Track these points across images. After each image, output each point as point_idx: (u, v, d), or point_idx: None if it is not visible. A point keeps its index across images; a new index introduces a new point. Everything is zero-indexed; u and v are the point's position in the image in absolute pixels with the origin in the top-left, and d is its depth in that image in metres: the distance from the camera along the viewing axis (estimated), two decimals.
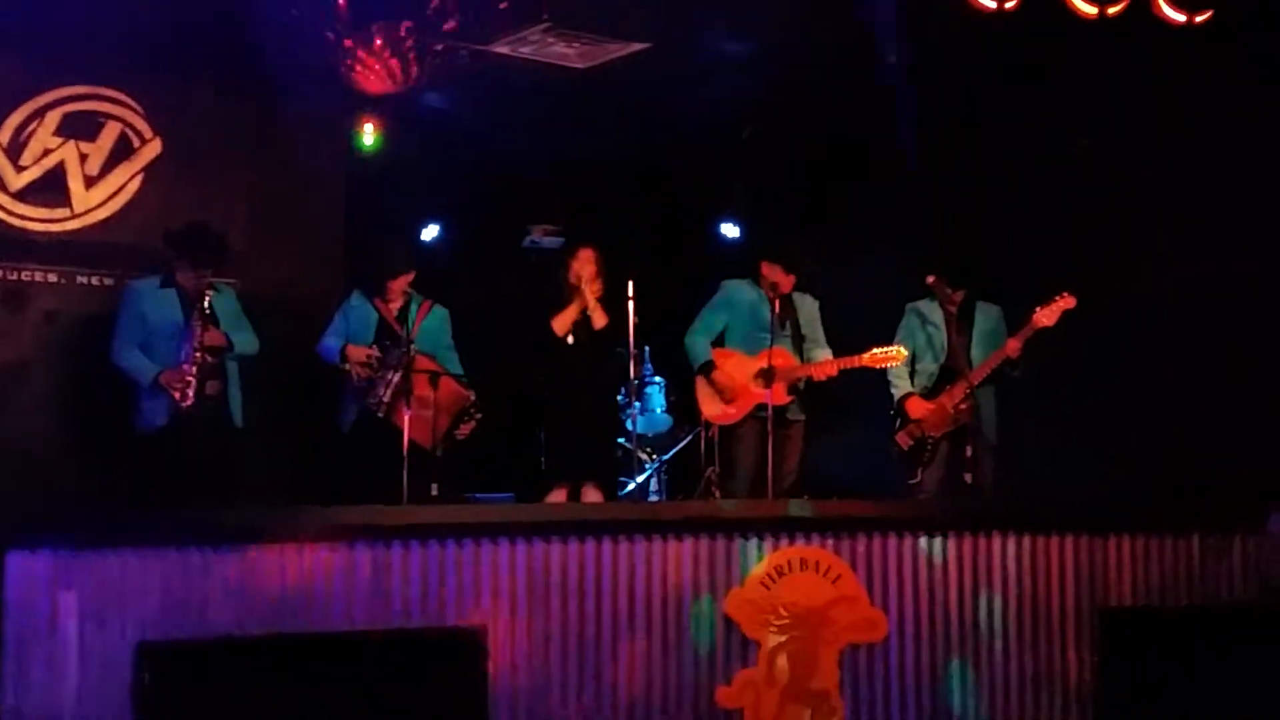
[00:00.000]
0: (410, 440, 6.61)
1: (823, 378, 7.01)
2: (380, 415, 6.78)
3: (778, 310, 7.02)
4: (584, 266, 7.35)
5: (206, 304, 6.53)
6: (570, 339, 7.31)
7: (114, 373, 6.62)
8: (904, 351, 6.92)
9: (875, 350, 6.88)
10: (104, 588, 4.71)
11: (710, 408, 7.18)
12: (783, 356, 6.96)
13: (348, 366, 6.88)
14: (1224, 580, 6.05)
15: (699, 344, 7.18)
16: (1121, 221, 7.65)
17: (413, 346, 6.84)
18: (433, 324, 7.15)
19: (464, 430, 6.93)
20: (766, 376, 6.92)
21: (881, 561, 5.66)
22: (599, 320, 7.30)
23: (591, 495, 7.27)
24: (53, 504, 6.47)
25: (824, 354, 7.13)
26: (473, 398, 6.92)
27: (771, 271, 7.09)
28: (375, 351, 6.87)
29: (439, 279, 7.54)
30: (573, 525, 5.36)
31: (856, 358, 6.91)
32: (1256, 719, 5.85)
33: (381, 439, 6.73)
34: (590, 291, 7.28)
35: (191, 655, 4.76)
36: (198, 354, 6.48)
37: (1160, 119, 7.44)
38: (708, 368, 7.12)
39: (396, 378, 6.74)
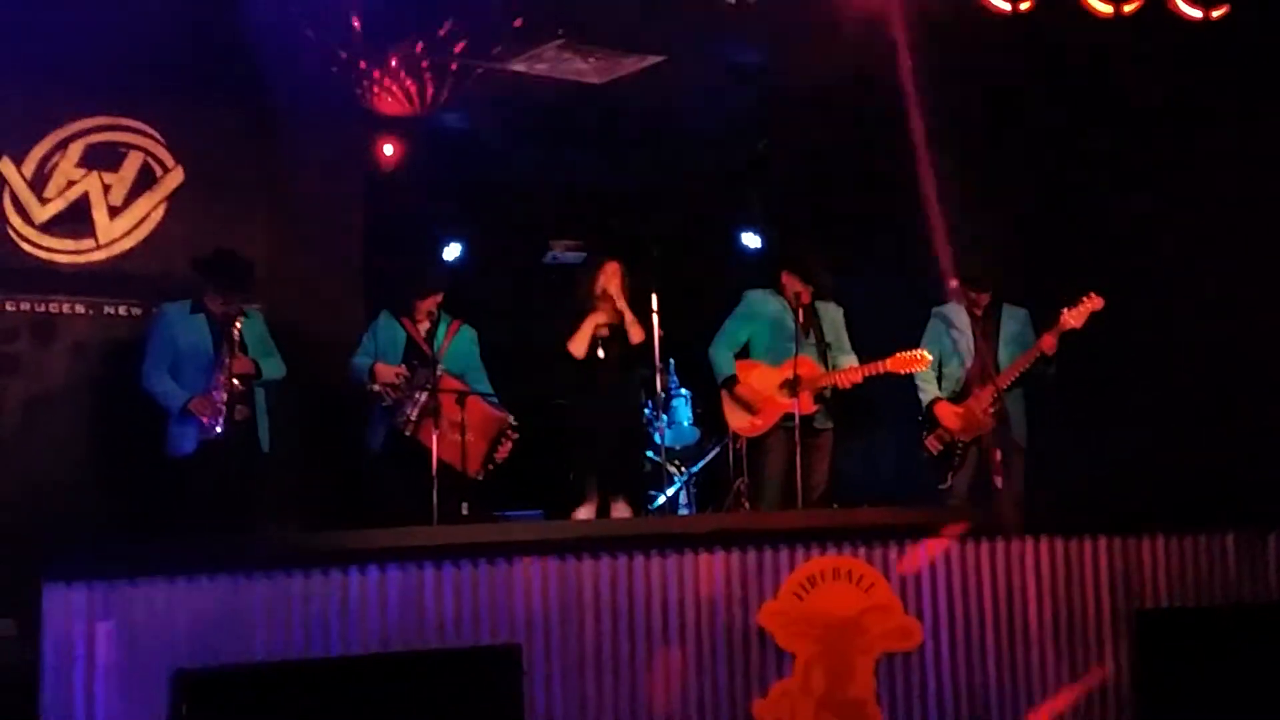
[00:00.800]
0: (440, 460, 6.62)
1: (848, 385, 6.99)
2: (408, 434, 6.80)
3: (801, 319, 7.01)
4: (610, 280, 7.35)
5: (237, 331, 6.55)
6: (601, 352, 7.30)
7: (143, 398, 6.62)
8: (928, 354, 6.90)
9: (899, 354, 6.86)
10: (140, 617, 4.73)
11: (736, 420, 7.18)
12: (807, 365, 6.95)
13: (377, 386, 6.90)
14: (1259, 578, 6.01)
15: (722, 356, 7.18)
16: (1149, 220, 7.61)
17: (440, 367, 6.86)
18: (461, 344, 7.17)
19: (502, 452, 6.95)
20: (791, 386, 6.90)
21: (914, 569, 5.63)
22: (636, 335, 7.28)
23: (621, 510, 7.26)
24: (86, 535, 6.50)
25: (849, 361, 7.11)
26: (511, 420, 6.95)
27: (791, 281, 7.08)
28: (404, 371, 6.89)
29: (462, 297, 7.56)
30: (603, 541, 5.36)
31: (880, 363, 6.89)
32: None
33: (411, 459, 6.74)
34: (623, 305, 7.28)
35: (228, 682, 4.77)
36: (227, 380, 6.49)
37: (1182, 117, 7.39)
38: (731, 382, 7.12)
39: (424, 397, 6.76)
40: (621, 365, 7.36)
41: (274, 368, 6.80)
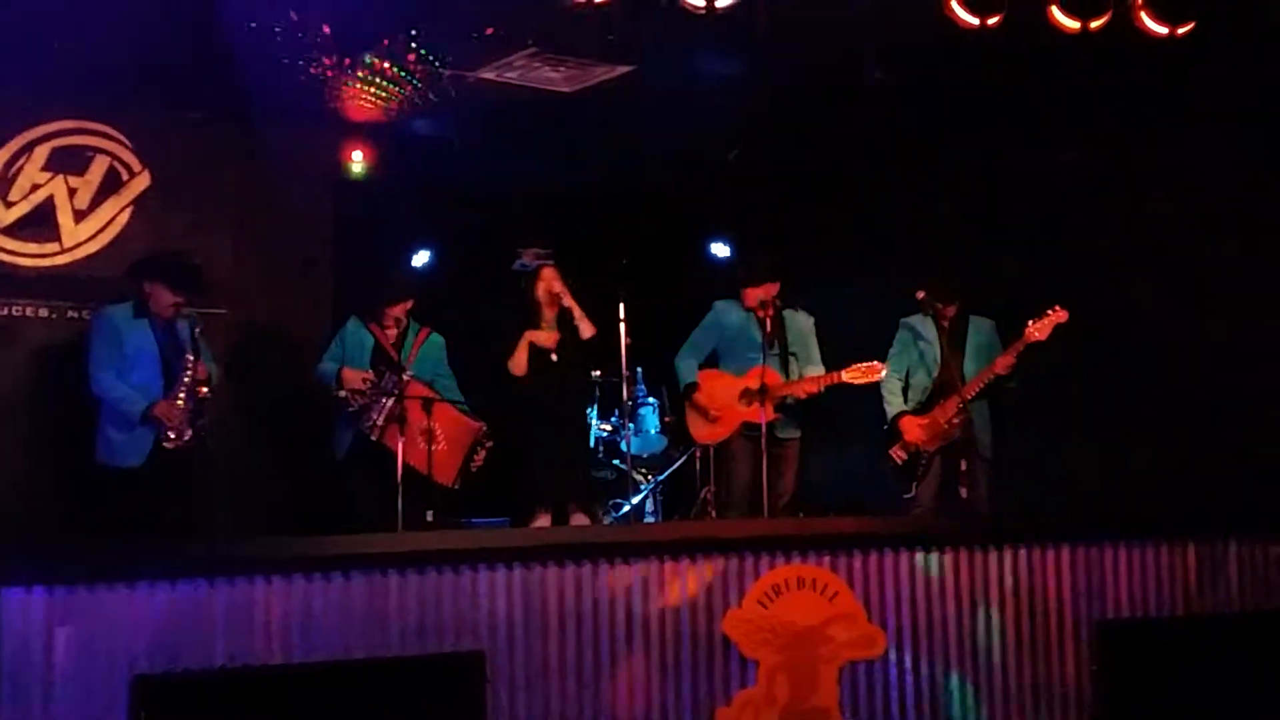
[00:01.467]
0: (407, 466, 6.60)
1: (804, 395, 7.02)
2: (374, 439, 6.78)
3: (768, 329, 7.04)
4: (550, 284, 7.36)
5: (197, 334, 6.43)
6: (555, 356, 7.29)
7: (87, 403, 6.43)
8: (881, 366, 6.93)
9: (854, 366, 6.90)
10: (100, 622, 4.68)
11: (697, 428, 7.24)
12: (769, 375, 6.97)
13: (344, 392, 6.88)
14: (1220, 588, 6.05)
15: (686, 365, 7.25)
16: (1111, 233, 7.67)
17: (408, 373, 6.84)
18: (430, 351, 7.16)
19: (478, 461, 6.95)
20: (750, 396, 6.94)
21: (878, 578, 5.65)
22: (586, 329, 7.32)
23: (578, 518, 7.25)
24: (45, 540, 6.44)
25: (814, 371, 7.15)
26: (484, 428, 6.94)
27: (753, 293, 7.12)
28: (370, 376, 6.88)
29: (430, 304, 7.55)
30: (569, 549, 5.35)
31: (835, 374, 6.94)
32: None
33: (376, 465, 6.73)
34: (570, 301, 7.29)
35: (188, 688, 4.73)
36: (191, 385, 6.36)
37: (1147, 131, 7.46)
38: (690, 389, 7.18)
39: (390, 403, 6.75)
40: (575, 368, 7.36)
41: (216, 373, 6.63)
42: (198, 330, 6.45)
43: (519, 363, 7.28)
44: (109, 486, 6.40)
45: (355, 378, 6.88)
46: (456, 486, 6.88)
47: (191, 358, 6.39)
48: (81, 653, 4.65)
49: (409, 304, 7.13)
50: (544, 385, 7.28)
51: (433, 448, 6.72)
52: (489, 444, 6.95)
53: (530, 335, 7.30)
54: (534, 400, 7.27)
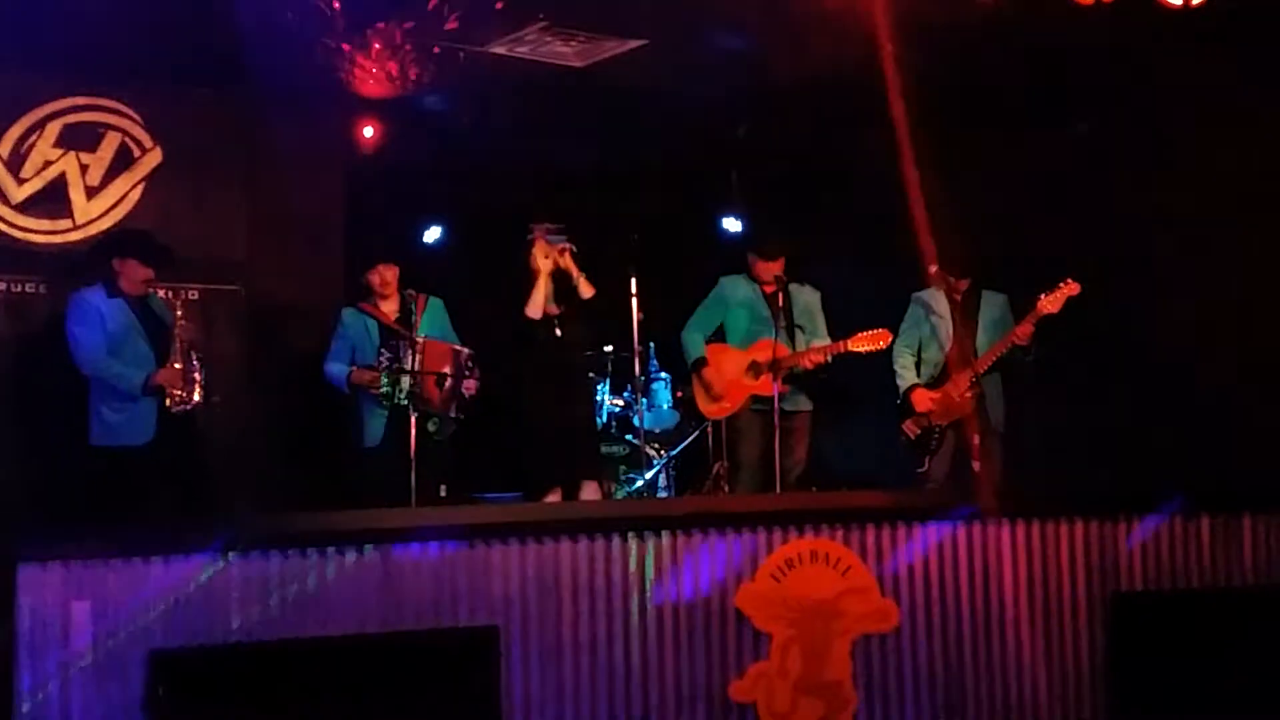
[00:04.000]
0: (420, 439, 6.59)
1: (811, 365, 7.01)
2: (413, 415, 6.69)
3: (778, 304, 7.03)
4: (544, 250, 7.40)
5: (180, 310, 6.49)
6: (559, 330, 7.31)
7: (83, 383, 6.45)
8: (887, 333, 6.92)
9: (860, 334, 6.89)
10: (116, 597, 4.71)
11: (704, 403, 7.28)
12: (776, 348, 6.96)
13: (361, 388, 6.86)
14: (1235, 561, 6.04)
15: (692, 340, 7.27)
16: (1125, 207, 7.64)
17: (422, 337, 6.81)
18: (434, 314, 7.14)
19: (469, 386, 6.90)
20: (756, 369, 6.94)
21: (891, 551, 5.66)
22: (586, 290, 7.35)
23: (589, 492, 7.25)
24: (62, 515, 6.47)
25: (821, 344, 7.14)
26: (467, 351, 6.92)
27: (756, 264, 7.11)
28: (384, 354, 6.84)
29: (442, 279, 7.54)
30: (582, 523, 5.36)
31: (841, 343, 6.94)
32: (1268, 700, 5.84)
33: (404, 447, 6.67)
34: (568, 262, 7.30)
35: (204, 662, 4.76)
36: (183, 351, 6.40)
37: (1160, 103, 7.42)
38: (698, 364, 7.20)
39: (413, 375, 6.72)
40: (579, 342, 7.32)
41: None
42: (175, 307, 6.53)
43: (535, 307, 7.28)
44: (112, 466, 6.40)
45: (366, 375, 6.85)
46: (450, 412, 6.81)
47: (181, 322, 6.44)
48: (98, 628, 4.67)
49: (396, 270, 7.07)
50: (548, 359, 7.28)
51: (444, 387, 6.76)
52: (475, 368, 6.92)
53: (544, 283, 7.27)
54: (539, 375, 7.28)
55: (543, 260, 7.38)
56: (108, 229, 7.39)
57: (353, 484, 6.96)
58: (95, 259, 6.69)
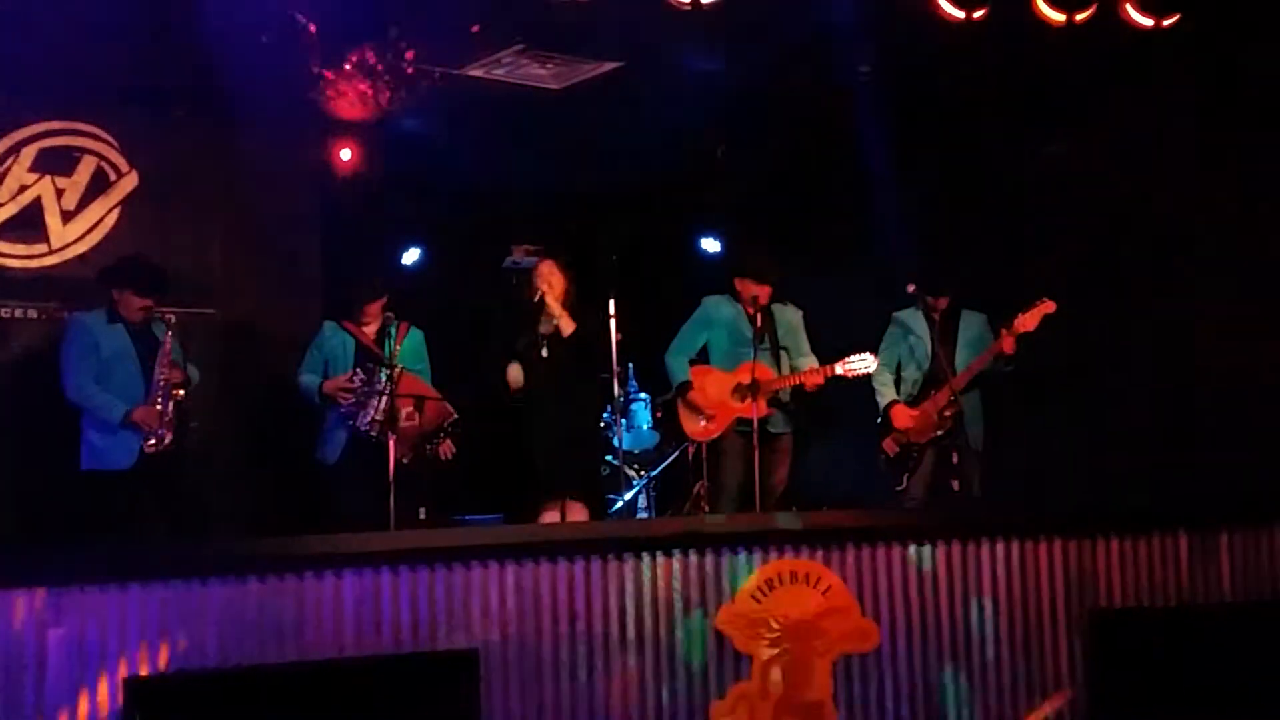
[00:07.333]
0: (397, 462, 6.58)
1: (812, 388, 7.01)
2: (373, 435, 6.71)
3: (757, 324, 7.04)
4: (543, 280, 7.35)
5: (169, 337, 6.45)
6: (545, 352, 7.27)
7: (67, 409, 6.43)
8: (873, 357, 6.94)
9: (847, 358, 6.91)
10: (92, 623, 4.68)
11: (690, 425, 7.24)
12: (760, 370, 6.97)
13: (334, 396, 6.85)
14: (1212, 579, 6.06)
15: (677, 363, 7.23)
16: (1100, 226, 7.68)
17: (398, 366, 6.81)
18: (413, 344, 7.13)
19: (444, 449, 6.91)
20: (744, 391, 6.94)
21: (871, 571, 5.66)
22: (565, 327, 7.28)
23: (576, 512, 7.24)
24: (37, 542, 6.43)
25: (807, 363, 7.15)
26: (454, 415, 6.91)
27: (744, 286, 7.12)
28: (358, 374, 6.84)
29: (420, 302, 7.53)
30: (562, 545, 5.34)
31: (829, 366, 6.95)
32: (1246, 716, 5.86)
33: (372, 464, 6.68)
34: (551, 301, 7.27)
35: (181, 689, 4.73)
36: (165, 389, 6.36)
37: (1132, 123, 7.48)
38: (684, 388, 7.16)
39: (383, 401, 6.71)
40: (571, 364, 7.34)
41: (195, 375, 6.66)
42: (170, 334, 6.48)
43: (516, 375, 7.27)
44: (98, 490, 6.38)
45: (339, 382, 6.85)
46: (405, 461, 6.79)
47: (166, 361, 6.40)
48: (74, 654, 4.64)
49: (384, 300, 7.09)
50: (540, 381, 7.27)
51: (409, 424, 6.74)
52: (456, 432, 6.90)
53: (514, 370, 7.27)
54: (531, 397, 7.27)
55: (551, 291, 7.32)
56: (84, 253, 7.36)
57: (310, 501, 6.96)
58: (99, 286, 6.67)
